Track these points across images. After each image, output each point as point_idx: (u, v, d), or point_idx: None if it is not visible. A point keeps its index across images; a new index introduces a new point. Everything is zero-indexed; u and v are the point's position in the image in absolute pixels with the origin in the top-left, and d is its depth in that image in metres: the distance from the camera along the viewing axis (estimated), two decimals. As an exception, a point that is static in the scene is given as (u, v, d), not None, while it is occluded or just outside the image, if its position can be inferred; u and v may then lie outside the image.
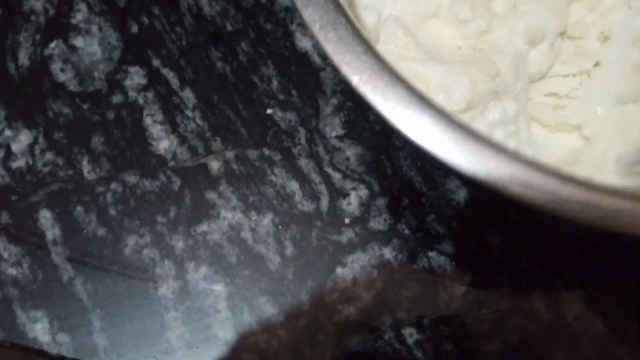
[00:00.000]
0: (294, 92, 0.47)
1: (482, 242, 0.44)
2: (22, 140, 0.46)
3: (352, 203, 0.45)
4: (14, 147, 0.46)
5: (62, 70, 0.48)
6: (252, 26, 0.49)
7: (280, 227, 0.45)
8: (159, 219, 0.45)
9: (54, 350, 0.43)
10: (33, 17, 0.49)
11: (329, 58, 0.27)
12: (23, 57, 0.48)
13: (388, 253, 0.44)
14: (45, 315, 0.44)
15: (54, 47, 0.48)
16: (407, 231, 0.45)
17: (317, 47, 0.48)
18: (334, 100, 0.47)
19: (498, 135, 0.34)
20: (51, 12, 0.49)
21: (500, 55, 0.35)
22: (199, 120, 0.47)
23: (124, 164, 0.46)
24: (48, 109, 0.47)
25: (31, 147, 0.46)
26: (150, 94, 0.47)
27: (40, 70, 0.48)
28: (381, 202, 0.45)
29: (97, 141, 0.46)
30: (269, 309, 0.44)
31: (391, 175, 0.46)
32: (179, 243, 0.44)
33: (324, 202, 0.45)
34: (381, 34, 0.34)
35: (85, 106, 0.47)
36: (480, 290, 0.43)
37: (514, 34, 0.35)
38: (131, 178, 0.45)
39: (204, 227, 0.44)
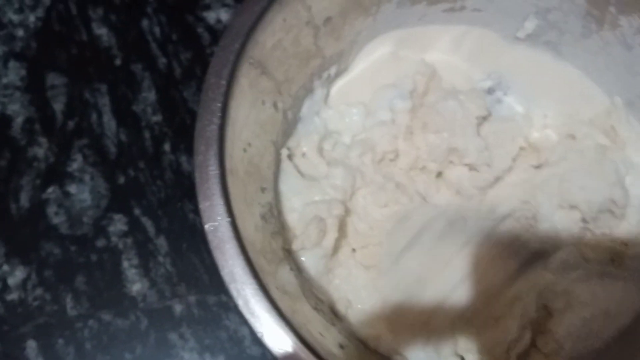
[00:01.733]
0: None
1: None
2: (17, 275, 0.54)
3: (294, 350, 0.52)
4: (10, 282, 0.54)
5: (56, 213, 0.56)
6: (222, 184, 0.56)
7: (229, 370, 0.52)
8: (127, 355, 0.52)
9: None
10: (35, 164, 0.57)
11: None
12: (24, 199, 0.56)
13: (321, 398, 0.51)
14: None
15: (51, 192, 0.56)
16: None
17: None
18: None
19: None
20: (51, 159, 0.57)
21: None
22: (169, 266, 0.54)
23: (101, 303, 0.53)
24: (41, 249, 0.55)
25: (24, 282, 0.54)
26: (129, 240, 0.55)
27: (37, 212, 0.56)
28: (320, 349, 0.52)
29: (80, 281, 0.54)
30: None
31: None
32: (141, 380, 0.52)
33: (270, 347, 0.53)
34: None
35: (73, 248, 0.55)
36: None
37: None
38: (106, 316, 0.53)
39: (164, 366, 0.52)
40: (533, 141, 0.52)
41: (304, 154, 0.51)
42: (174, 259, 0.55)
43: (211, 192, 0.38)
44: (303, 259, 0.47)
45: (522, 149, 0.52)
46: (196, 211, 0.55)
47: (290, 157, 0.50)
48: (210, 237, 0.37)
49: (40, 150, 0.58)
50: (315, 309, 0.44)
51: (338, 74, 0.54)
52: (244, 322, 0.52)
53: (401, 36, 0.53)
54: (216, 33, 0.62)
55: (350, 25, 0.50)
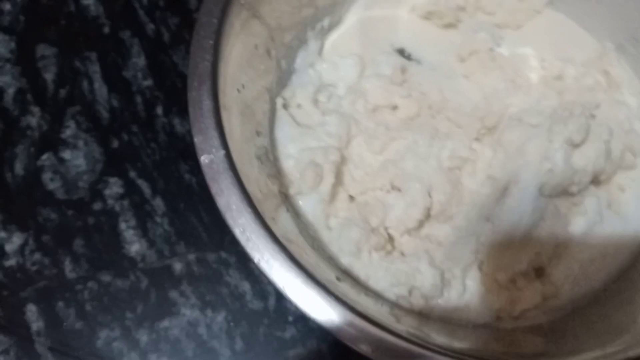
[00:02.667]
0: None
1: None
2: (14, 241, 0.54)
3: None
4: (7, 248, 0.54)
5: (51, 179, 0.56)
6: (216, 143, 0.56)
7: (232, 324, 0.52)
8: (128, 314, 0.52)
9: None
10: (29, 132, 0.57)
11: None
12: (18, 168, 0.56)
13: (325, 348, 0.51)
14: (28, 397, 0.51)
15: (46, 159, 0.56)
16: (342, 328, 0.52)
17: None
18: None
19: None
20: (44, 127, 0.57)
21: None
22: (166, 226, 0.54)
23: (101, 264, 0.53)
24: (38, 215, 0.55)
25: (22, 248, 0.54)
26: (126, 202, 0.55)
27: (32, 179, 0.56)
28: (321, 301, 0.52)
29: (78, 244, 0.54)
30: (219, 396, 0.51)
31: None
32: (143, 337, 0.51)
33: (272, 301, 0.53)
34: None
35: (70, 212, 0.55)
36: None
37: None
38: (106, 277, 0.53)
39: (165, 323, 0.52)
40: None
41: (299, 105, 0.51)
42: (172, 218, 0.55)
43: (205, 125, 0.38)
44: (300, 202, 0.47)
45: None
46: (192, 171, 0.56)
47: (285, 106, 0.51)
48: (206, 169, 0.37)
49: (33, 119, 0.58)
50: (312, 247, 0.44)
51: (332, 26, 0.54)
52: (246, 277, 0.52)
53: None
54: (203, -2, 0.62)
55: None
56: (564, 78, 0.53)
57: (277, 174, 0.47)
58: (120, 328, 0.52)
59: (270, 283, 0.52)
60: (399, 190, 0.49)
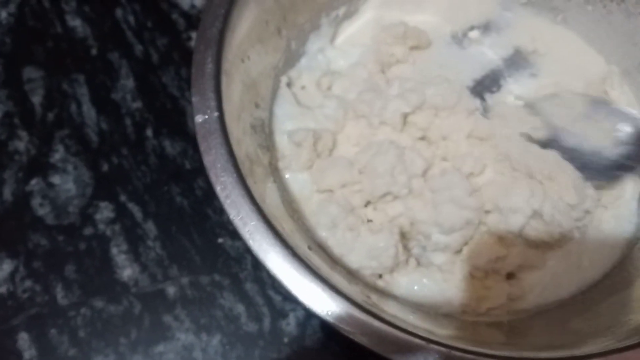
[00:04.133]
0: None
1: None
2: (4, 269, 0.53)
3: (290, 323, 0.52)
4: (-2, 275, 0.53)
5: (41, 205, 0.55)
6: (207, 165, 0.56)
7: (227, 347, 0.52)
8: (122, 340, 0.52)
9: None
10: (17, 157, 0.56)
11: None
12: (7, 193, 0.55)
13: (320, 369, 0.51)
14: None
15: (35, 184, 0.56)
16: (337, 348, 0.52)
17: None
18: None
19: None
20: (33, 152, 0.57)
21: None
22: (159, 250, 0.54)
23: (93, 290, 0.53)
24: (28, 240, 0.54)
25: (12, 274, 0.53)
26: (117, 227, 0.55)
27: (22, 204, 0.55)
28: (316, 322, 0.52)
29: (70, 270, 0.53)
30: (215, 421, 0.50)
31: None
32: (138, 363, 0.51)
33: (266, 323, 0.52)
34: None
35: (61, 238, 0.54)
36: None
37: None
38: (99, 303, 0.52)
39: (160, 347, 0.51)
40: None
41: (303, 87, 0.53)
42: (164, 242, 0.54)
43: (204, 87, 0.40)
44: (287, 176, 0.49)
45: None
46: (183, 194, 0.56)
47: (289, 85, 0.52)
48: (198, 127, 0.39)
49: (21, 143, 0.57)
50: (292, 218, 0.46)
51: (347, 16, 0.56)
52: (240, 299, 0.52)
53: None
54: (191, 18, 0.62)
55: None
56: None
57: (270, 146, 0.49)
58: (115, 354, 0.51)
59: (264, 305, 0.52)
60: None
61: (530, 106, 0.53)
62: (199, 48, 0.41)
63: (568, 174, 0.49)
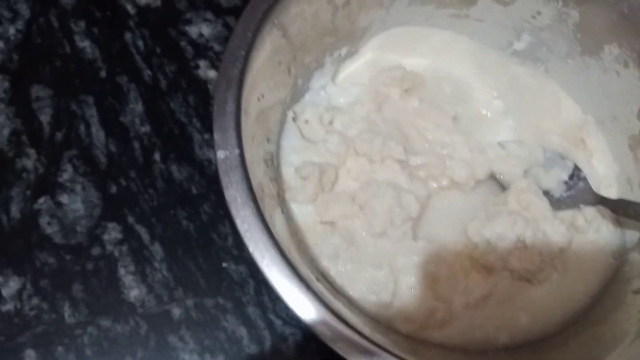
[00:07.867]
0: (246, 247, 0.57)
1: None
2: (11, 286, 0.54)
3: (290, 346, 0.55)
4: (4, 292, 0.54)
5: (49, 223, 0.56)
6: (213, 191, 0.59)
7: (230, 368, 0.54)
8: (128, 359, 0.53)
9: None
10: (24, 175, 0.57)
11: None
12: (14, 211, 0.56)
13: (319, 391, 0.54)
14: None
15: (42, 202, 0.57)
16: (334, 371, 0.55)
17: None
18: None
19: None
20: (40, 170, 0.58)
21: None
22: (165, 272, 0.56)
23: (100, 309, 0.54)
24: (35, 259, 0.55)
25: (19, 292, 0.54)
26: (124, 247, 0.56)
27: (29, 223, 0.56)
28: (314, 345, 0.55)
29: (77, 289, 0.55)
30: None
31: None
32: (144, 382, 0.53)
33: (267, 345, 0.55)
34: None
35: (68, 257, 0.55)
36: None
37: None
38: (105, 322, 0.54)
39: (166, 367, 0.53)
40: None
41: (306, 121, 0.56)
42: (170, 264, 0.56)
43: (226, 125, 0.43)
44: (293, 207, 0.52)
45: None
46: (190, 218, 0.58)
47: (294, 119, 0.56)
48: (220, 163, 0.42)
49: (29, 161, 0.58)
50: (298, 248, 0.49)
51: (348, 56, 0.60)
52: (242, 322, 0.54)
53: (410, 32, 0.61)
54: (199, 47, 0.65)
55: (365, 13, 0.56)
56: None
57: (277, 178, 0.52)
58: (121, 374, 0.53)
59: (265, 328, 0.55)
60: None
61: (501, 146, 0.58)
62: (221, 87, 0.44)
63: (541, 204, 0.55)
